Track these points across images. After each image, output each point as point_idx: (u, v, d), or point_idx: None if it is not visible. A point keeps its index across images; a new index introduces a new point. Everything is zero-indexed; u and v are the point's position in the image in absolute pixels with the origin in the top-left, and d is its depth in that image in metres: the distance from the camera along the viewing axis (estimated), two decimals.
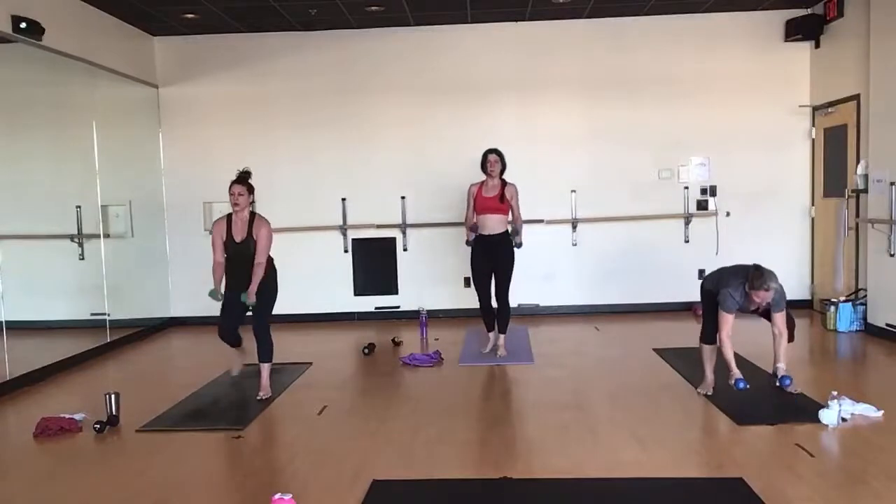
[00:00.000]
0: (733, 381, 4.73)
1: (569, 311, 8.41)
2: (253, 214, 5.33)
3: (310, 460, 4.03)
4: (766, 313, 4.96)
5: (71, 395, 5.66)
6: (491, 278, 6.37)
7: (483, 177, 6.31)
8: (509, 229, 6.34)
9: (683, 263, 8.26)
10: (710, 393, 4.99)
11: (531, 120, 8.30)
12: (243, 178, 5.32)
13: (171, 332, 8.08)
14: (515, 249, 6.31)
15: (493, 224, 6.24)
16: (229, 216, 5.34)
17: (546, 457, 3.97)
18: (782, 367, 4.92)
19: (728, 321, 4.78)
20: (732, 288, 4.76)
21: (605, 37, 8.21)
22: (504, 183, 6.28)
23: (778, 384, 4.87)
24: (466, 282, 6.50)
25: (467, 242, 6.45)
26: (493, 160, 6.25)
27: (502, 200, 6.22)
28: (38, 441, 4.53)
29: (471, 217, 6.35)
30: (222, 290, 5.38)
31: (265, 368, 5.38)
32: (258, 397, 5.26)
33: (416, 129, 8.35)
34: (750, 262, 4.96)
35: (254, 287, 5.21)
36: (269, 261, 5.42)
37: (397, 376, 5.91)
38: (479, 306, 6.47)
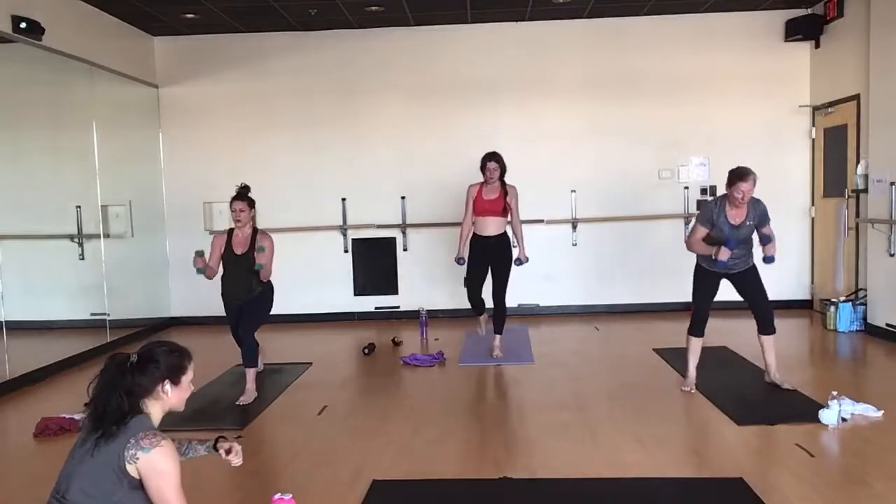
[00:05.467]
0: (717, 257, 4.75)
1: (569, 311, 8.40)
2: (255, 230, 5.29)
3: (310, 460, 4.03)
4: (746, 290, 5.00)
5: (71, 395, 5.64)
6: (486, 278, 6.28)
7: (482, 177, 6.21)
8: (508, 232, 6.27)
9: (683, 263, 8.17)
10: (692, 391, 4.98)
11: (531, 120, 8.29)
12: (243, 195, 5.23)
13: (171, 332, 8.07)
14: (515, 266, 6.23)
15: (493, 227, 6.15)
16: (231, 231, 5.30)
17: (546, 457, 3.97)
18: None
19: (699, 231, 4.87)
20: (711, 205, 4.91)
21: (604, 37, 8.20)
22: (504, 185, 6.16)
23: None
24: (466, 282, 6.46)
25: (458, 260, 6.27)
26: (492, 168, 6.06)
27: (503, 204, 6.11)
28: (38, 441, 4.53)
29: (468, 222, 6.21)
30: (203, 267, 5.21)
31: (251, 373, 5.30)
32: (239, 402, 5.12)
33: (416, 128, 8.35)
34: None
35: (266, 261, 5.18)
36: (268, 282, 5.38)
37: (397, 376, 5.91)
38: (469, 300, 6.39)
